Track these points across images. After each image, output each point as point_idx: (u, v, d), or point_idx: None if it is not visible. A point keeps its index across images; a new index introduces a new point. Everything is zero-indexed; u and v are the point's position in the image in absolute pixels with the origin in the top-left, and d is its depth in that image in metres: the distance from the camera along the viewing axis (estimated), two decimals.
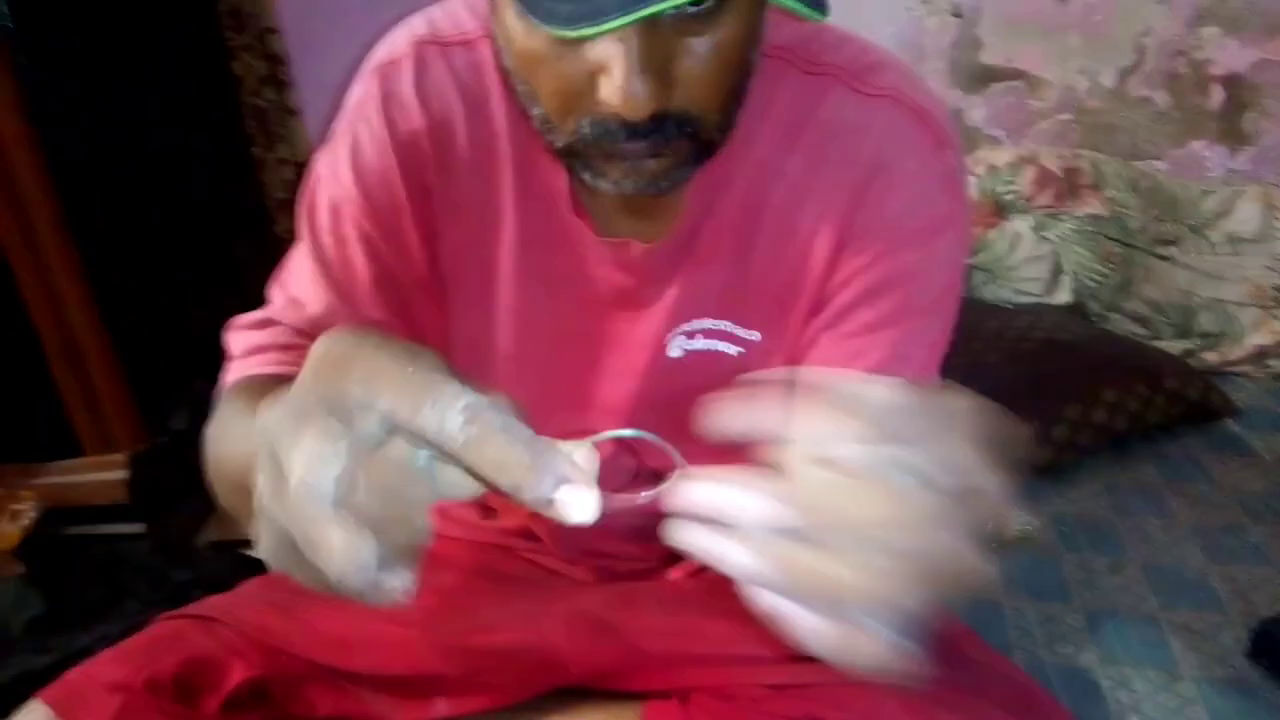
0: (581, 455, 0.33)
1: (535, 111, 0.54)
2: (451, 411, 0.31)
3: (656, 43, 0.47)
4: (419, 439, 0.32)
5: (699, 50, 0.49)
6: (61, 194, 1.73)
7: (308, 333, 0.66)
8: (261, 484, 0.33)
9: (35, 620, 1.26)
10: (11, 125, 1.66)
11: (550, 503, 0.31)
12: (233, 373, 0.67)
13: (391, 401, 0.31)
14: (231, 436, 0.58)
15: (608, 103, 0.48)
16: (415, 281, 0.67)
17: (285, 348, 0.67)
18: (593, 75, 0.49)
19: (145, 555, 1.39)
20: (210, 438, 0.60)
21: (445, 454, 0.32)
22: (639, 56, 0.46)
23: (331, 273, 0.66)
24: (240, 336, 0.69)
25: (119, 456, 1.58)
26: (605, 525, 0.79)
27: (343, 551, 0.30)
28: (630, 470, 0.74)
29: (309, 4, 1.93)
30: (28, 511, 1.47)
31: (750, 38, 0.52)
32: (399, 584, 0.32)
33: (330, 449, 0.31)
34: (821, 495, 0.31)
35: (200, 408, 0.63)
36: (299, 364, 0.68)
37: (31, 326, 1.69)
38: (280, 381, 0.64)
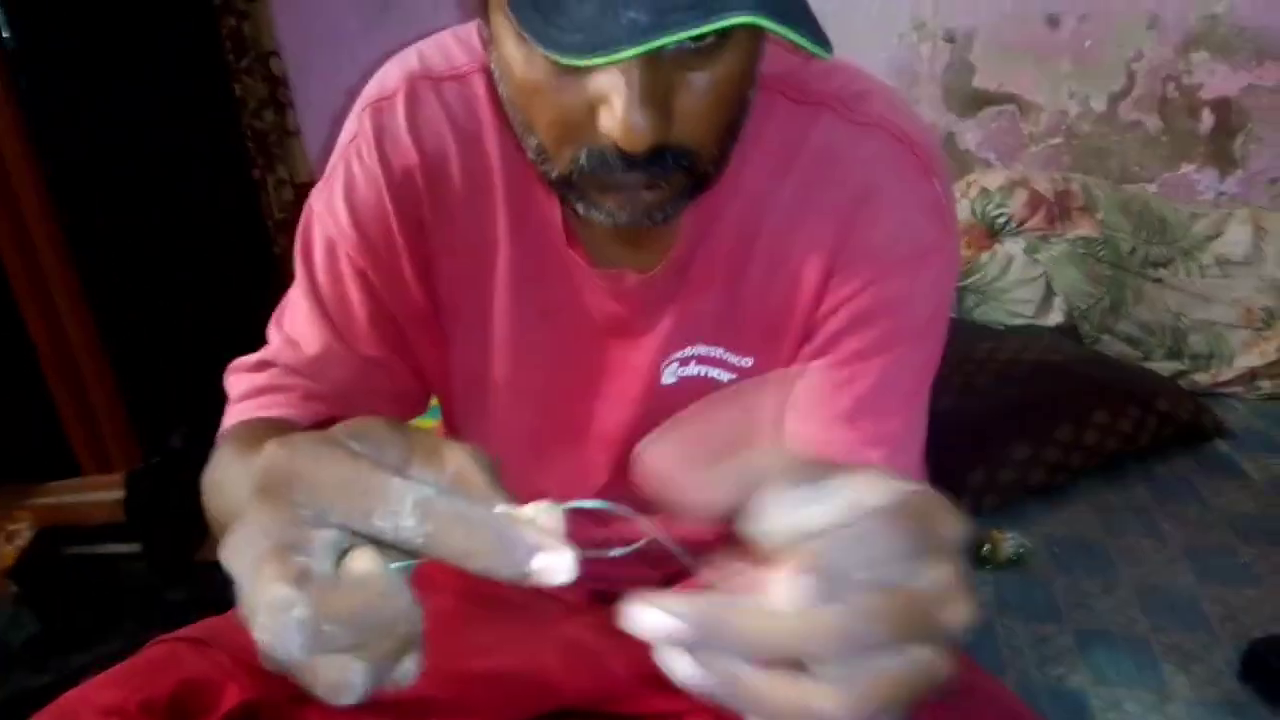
0: (546, 517, 0.32)
1: (531, 142, 0.54)
2: (402, 514, 0.30)
3: (658, 76, 0.47)
4: (380, 543, 0.31)
5: (699, 85, 0.49)
6: (62, 213, 1.74)
7: (306, 373, 0.66)
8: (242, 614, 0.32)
9: (31, 640, 1.25)
10: (12, 146, 1.67)
11: (527, 576, 0.30)
12: (231, 417, 0.68)
13: (343, 512, 0.31)
14: (227, 483, 0.58)
15: (607, 134, 0.48)
16: (412, 317, 0.68)
17: (284, 389, 0.67)
18: (592, 106, 0.49)
19: (142, 575, 1.39)
20: (207, 483, 0.59)
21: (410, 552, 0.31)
22: (640, 89, 0.47)
23: (328, 311, 0.66)
24: (239, 379, 0.69)
25: (116, 476, 1.58)
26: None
27: (327, 686, 0.30)
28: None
29: (309, 28, 1.95)
30: (24, 531, 1.47)
31: (749, 75, 0.53)
32: (400, 675, 0.32)
33: (286, 601, 0.29)
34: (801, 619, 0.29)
35: (197, 428, 0.63)
36: (297, 405, 0.68)
37: (30, 346, 1.69)
38: (278, 425, 0.64)
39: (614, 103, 0.47)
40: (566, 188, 0.54)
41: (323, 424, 0.36)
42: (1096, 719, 1.02)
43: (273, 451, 0.32)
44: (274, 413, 0.66)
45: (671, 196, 0.53)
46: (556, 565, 0.30)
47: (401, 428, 0.35)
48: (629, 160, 0.50)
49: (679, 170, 0.52)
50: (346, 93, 0.69)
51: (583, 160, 0.51)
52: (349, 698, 0.30)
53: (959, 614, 0.30)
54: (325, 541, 0.31)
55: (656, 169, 0.51)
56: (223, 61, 1.87)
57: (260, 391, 0.67)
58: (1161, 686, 1.06)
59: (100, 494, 1.50)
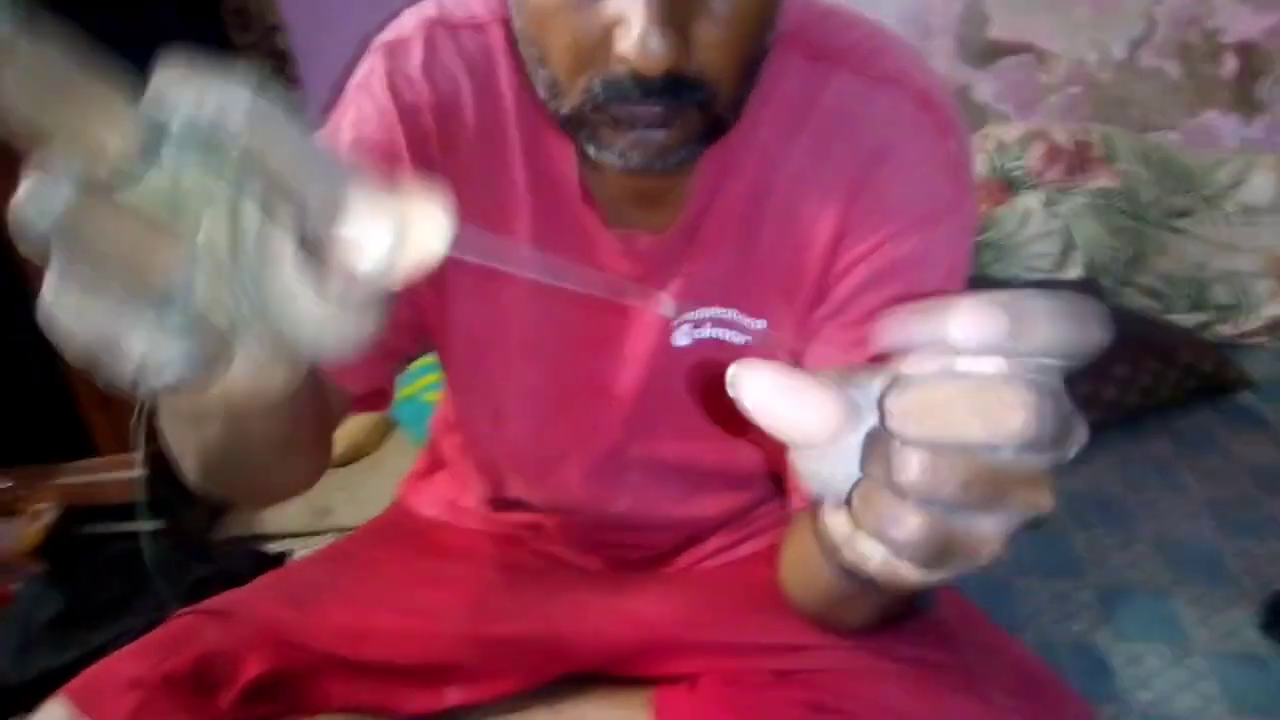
0: (418, 195, 0.26)
1: (543, 75, 0.53)
2: (237, 93, 0.26)
3: None
4: (199, 133, 0.27)
5: (719, 12, 0.49)
6: None
7: None
8: None
9: (56, 618, 1.28)
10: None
11: (334, 238, 0.26)
12: None
13: (177, 95, 0.26)
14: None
15: (624, 57, 0.47)
16: None
17: None
18: (608, 30, 0.48)
19: (163, 552, 1.41)
20: None
21: (218, 152, 0.27)
22: (659, 9, 0.46)
23: None
24: None
25: (135, 455, 1.59)
26: (615, 519, 0.77)
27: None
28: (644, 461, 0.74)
29: (313, 1, 1.93)
30: (47, 511, 1.49)
31: (769, 11, 0.52)
32: (162, 353, 0.27)
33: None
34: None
35: None
36: None
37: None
38: None
39: (631, 23, 0.46)
40: (578, 125, 0.53)
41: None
42: (1117, 674, 1.02)
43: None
44: None
45: (685, 139, 0.52)
46: (372, 240, 0.26)
47: None
48: (645, 87, 0.49)
49: (694, 106, 0.51)
50: (353, 67, 0.68)
51: (597, 89, 0.50)
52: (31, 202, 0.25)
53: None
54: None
55: (672, 100, 0.50)
56: (226, 37, 1.86)
57: None
58: (1182, 640, 1.06)
59: (121, 473, 1.52)
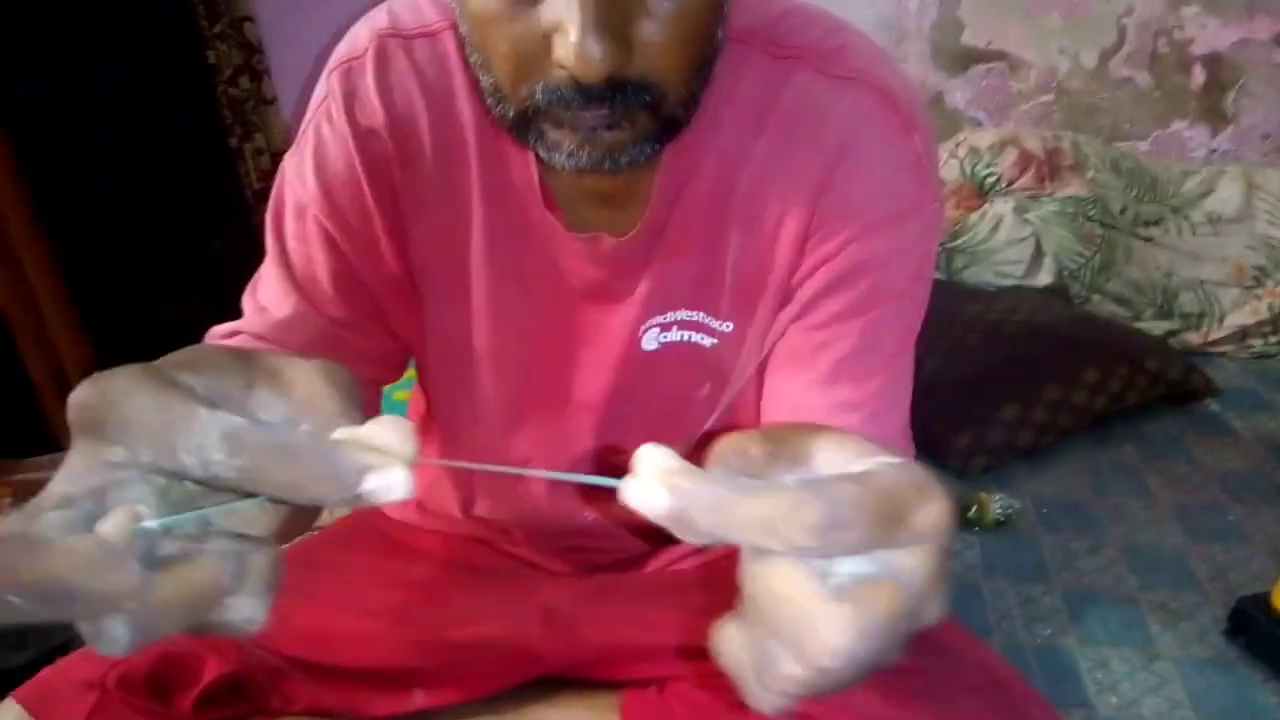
0: (389, 431, 0.30)
1: (487, 81, 0.52)
2: (209, 447, 0.28)
3: (615, 1, 0.45)
4: (191, 481, 0.30)
5: (660, 13, 0.47)
6: (33, 188, 1.71)
7: (272, 337, 0.64)
8: None
9: None
10: None
11: (358, 499, 0.29)
12: None
13: (150, 450, 0.28)
14: None
15: (562, 63, 0.46)
16: (385, 281, 0.66)
17: None
18: (547, 36, 0.47)
19: None
20: None
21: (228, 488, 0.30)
22: (595, 14, 0.45)
23: (295, 275, 0.65)
24: None
25: None
26: (588, 522, 0.76)
27: (88, 635, 0.28)
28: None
29: None
30: (4, 507, 1.46)
31: (715, 6, 0.50)
32: (247, 613, 0.30)
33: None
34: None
35: None
36: None
37: (4, 322, 1.68)
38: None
39: (568, 29, 0.45)
40: (523, 128, 0.52)
41: None
42: (1084, 679, 1.03)
43: (84, 387, 0.29)
44: None
45: (635, 139, 0.51)
46: (388, 484, 0.29)
47: (242, 354, 0.33)
48: (586, 93, 0.47)
49: (642, 108, 0.49)
50: (322, 58, 0.66)
51: (539, 95, 0.49)
52: (111, 650, 0.28)
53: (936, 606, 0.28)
54: (134, 485, 0.29)
55: (617, 105, 0.48)
56: (196, 28, 1.84)
57: None
58: (1149, 645, 1.07)
59: None
